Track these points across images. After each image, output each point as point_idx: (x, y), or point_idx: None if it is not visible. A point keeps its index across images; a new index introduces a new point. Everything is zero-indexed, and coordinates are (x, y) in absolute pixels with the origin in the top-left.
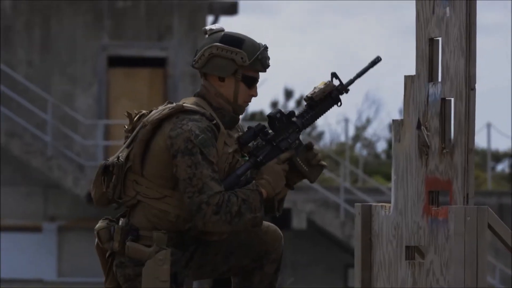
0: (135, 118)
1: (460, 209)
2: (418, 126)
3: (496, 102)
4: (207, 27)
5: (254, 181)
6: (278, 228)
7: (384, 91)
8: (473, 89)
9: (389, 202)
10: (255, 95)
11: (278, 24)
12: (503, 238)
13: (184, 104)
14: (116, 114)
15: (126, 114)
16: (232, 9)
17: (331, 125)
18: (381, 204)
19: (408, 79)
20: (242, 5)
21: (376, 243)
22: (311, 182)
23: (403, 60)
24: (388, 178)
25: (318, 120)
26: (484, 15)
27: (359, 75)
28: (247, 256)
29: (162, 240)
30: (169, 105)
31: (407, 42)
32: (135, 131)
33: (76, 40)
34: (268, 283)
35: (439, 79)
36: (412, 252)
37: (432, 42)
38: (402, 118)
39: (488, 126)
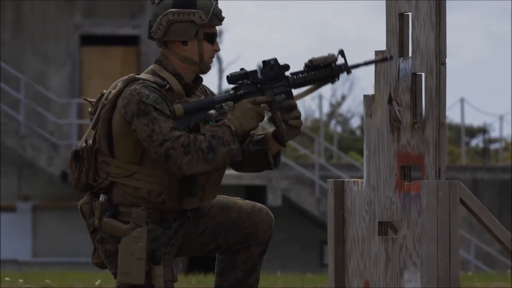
0: (96, 99)
1: (432, 184)
2: (389, 101)
3: (470, 77)
4: None
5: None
6: (269, 211)
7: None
8: (444, 63)
9: (363, 177)
10: (218, 49)
11: (252, 0)
12: (476, 212)
13: (135, 75)
14: (89, 92)
15: (83, 99)
16: None
17: (306, 101)
18: (353, 179)
19: (378, 54)
20: None
21: (349, 219)
22: (284, 140)
23: (376, 35)
24: (363, 154)
25: (309, 86)
26: None
27: (367, 63)
28: (235, 237)
29: (141, 216)
30: (122, 79)
31: (380, 18)
32: (97, 112)
33: (48, 19)
34: (252, 264)
35: (410, 54)
36: (385, 228)
37: (402, 17)
38: (373, 93)
39: (462, 101)
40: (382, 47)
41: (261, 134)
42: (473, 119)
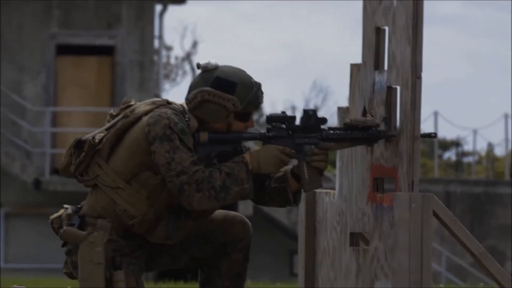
0: (123, 106)
1: (405, 196)
2: (364, 114)
3: (445, 92)
4: (202, 63)
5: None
6: (244, 218)
7: (332, 79)
8: (419, 77)
9: (335, 189)
10: (251, 126)
11: (228, 13)
12: (448, 225)
13: (168, 100)
14: (63, 101)
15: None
16: None
17: (278, 112)
18: (325, 190)
19: (354, 67)
20: None
21: (320, 230)
22: (304, 190)
23: (351, 48)
24: (335, 165)
25: (343, 145)
26: (441, 6)
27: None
28: (209, 247)
29: (106, 227)
30: (154, 99)
31: (357, 32)
32: (116, 119)
33: (25, 29)
34: (237, 272)
35: (385, 68)
36: (357, 239)
37: (379, 31)
38: (348, 105)
39: (436, 114)
40: (358, 60)
41: (282, 172)
42: (447, 132)
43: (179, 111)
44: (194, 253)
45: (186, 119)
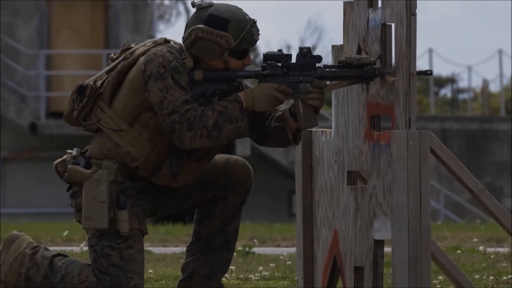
0: (123, 48)
1: (402, 134)
2: (359, 51)
3: (439, 30)
4: (196, 1)
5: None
6: (246, 162)
7: (326, 18)
8: (414, 14)
9: (331, 127)
10: (249, 63)
11: None
12: (446, 162)
13: (166, 38)
14: (57, 44)
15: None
16: None
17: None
18: (321, 129)
19: (347, 5)
20: None
21: (317, 169)
22: (300, 128)
23: None
24: (331, 104)
25: (339, 81)
26: None
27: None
28: (211, 191)
29: (112, 168)
30: (153, 39)
31: None
32: (116, 61)
33: None
34: (231, 214)
35: (379, 5)
36: (354, 177)
37: None
38: (342, 44)
39: (430, 51)
40: None
41: (282, 111)
42: (442, 69)
43: (175, 50)
44: (197, 197)
45: (182, 57)
